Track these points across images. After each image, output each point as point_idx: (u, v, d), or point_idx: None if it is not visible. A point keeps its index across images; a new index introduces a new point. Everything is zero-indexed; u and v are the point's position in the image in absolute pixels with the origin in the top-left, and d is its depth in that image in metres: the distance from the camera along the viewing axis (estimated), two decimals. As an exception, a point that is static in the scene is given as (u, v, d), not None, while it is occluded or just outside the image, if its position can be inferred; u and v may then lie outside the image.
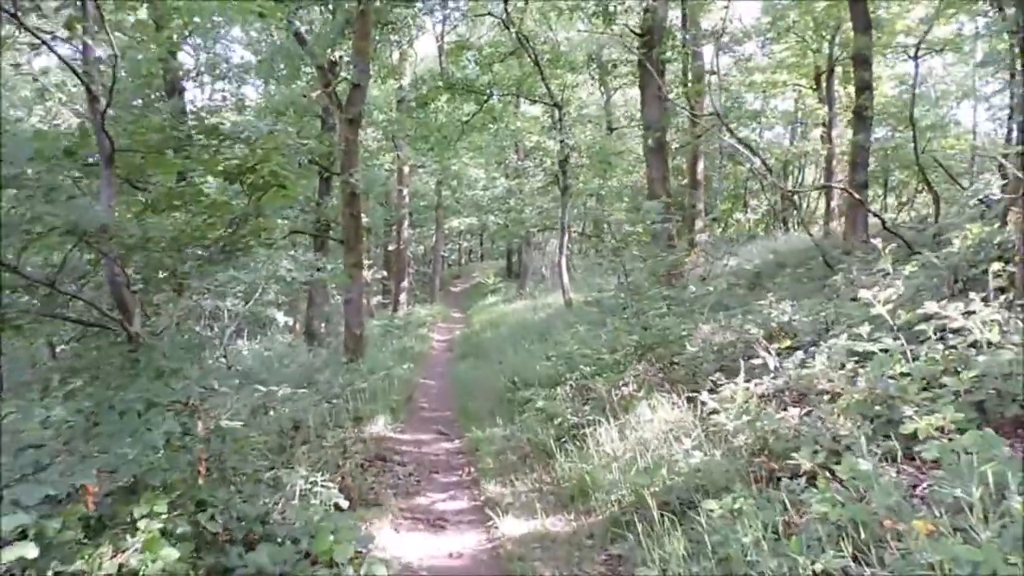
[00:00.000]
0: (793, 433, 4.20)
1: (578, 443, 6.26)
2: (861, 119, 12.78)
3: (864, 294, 4.58)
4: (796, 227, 26.34)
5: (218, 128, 5.85)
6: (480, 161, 28.39)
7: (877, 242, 5.94)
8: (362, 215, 12.80)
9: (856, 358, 4.63)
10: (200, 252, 5.70)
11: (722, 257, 11.78)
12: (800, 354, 5.29)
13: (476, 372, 12.51)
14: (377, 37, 16.46)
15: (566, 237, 18.73)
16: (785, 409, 4.60)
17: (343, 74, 12.67)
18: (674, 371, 6.65)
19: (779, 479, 3.93)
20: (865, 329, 4.41)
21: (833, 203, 22.40)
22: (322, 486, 5.11)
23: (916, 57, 13.42)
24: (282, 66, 14.01)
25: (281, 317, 26.11)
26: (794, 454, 3.80)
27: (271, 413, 8.47)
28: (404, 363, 14.04)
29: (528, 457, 6.76)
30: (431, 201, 34.91)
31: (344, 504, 4.97)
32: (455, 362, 16.07)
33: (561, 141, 18.56)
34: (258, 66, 15.06)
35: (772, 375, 5.25)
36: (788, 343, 6.06)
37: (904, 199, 27.00)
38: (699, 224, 21.12)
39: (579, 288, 21.28)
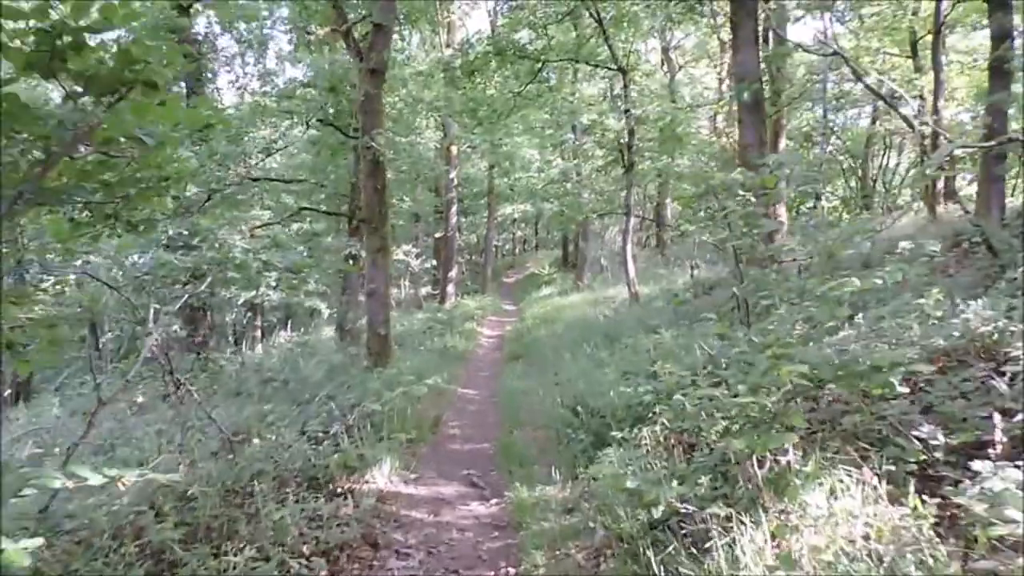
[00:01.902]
0: None
1: (690, 547, 3.47)
2: (999, 75, 9.64)
3: None
4: (883, 211, 22.84)
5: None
6: (535, 141, 25.48)
7: None
8: (386, 190, 10.14)
9: None
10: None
11: (866, 236, 8.67)
12: None
13: (527, 383, 9.74)
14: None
15: (631, 222, 15.78)
16: None
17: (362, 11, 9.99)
18: (853, 421, 3.76)
19: None
20: None
21: (940, 184, 18.87)
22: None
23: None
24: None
25: (325, 308, 23.98)
26: None
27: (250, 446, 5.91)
28: (440, 370, 11.37)
29: (603, 558, 3.99)
30: (482, 187, 32.21)
31: None
32: (502, 365, 13.34)
33: (626, 111, 15.59)
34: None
35: None
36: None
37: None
38: (781, 209, 17.90)
39: (642, 280, 18.32)
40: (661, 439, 5.04)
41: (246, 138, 9.05)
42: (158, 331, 5.13)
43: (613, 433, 5.20)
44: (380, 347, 10.18)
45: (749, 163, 10.41)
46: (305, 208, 10.38)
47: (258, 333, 26.62)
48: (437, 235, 26.70)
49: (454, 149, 23.25)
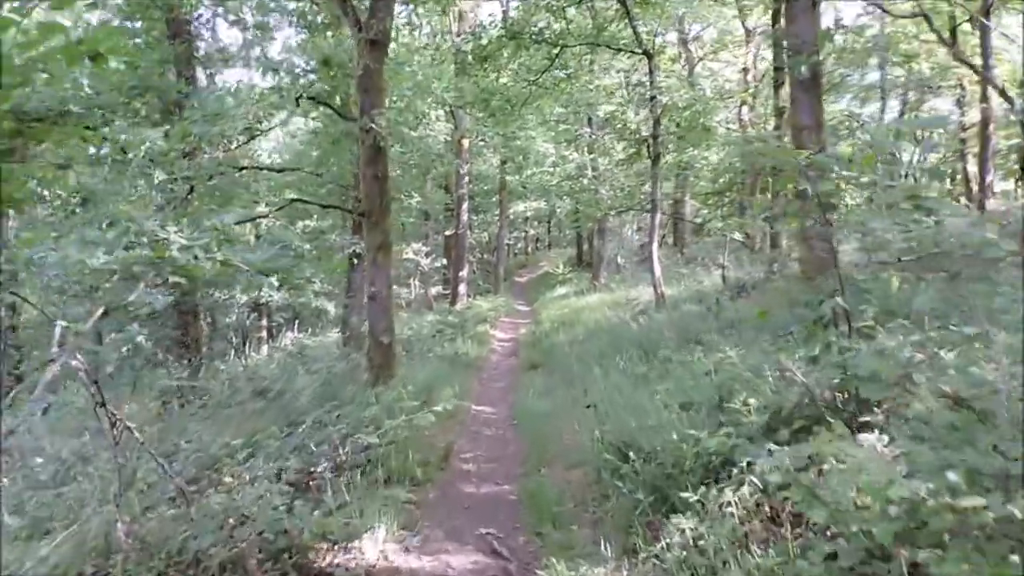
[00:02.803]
0: None
1: None
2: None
3: None
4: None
5: None
6: (550, 135, 24.02)
7: None
8: (388, 180, 8.75)
9: None
10: None
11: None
12: None
13: (550, 402, 8.31)
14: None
15: (658, 218, 14.31)
16: None
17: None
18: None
19: None
20: None
21: (989, 177, 17.30)
22: None
23: None
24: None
25: (332, 308, 22.64)
26: None
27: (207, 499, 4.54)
28: (450, 381, 9.99)
29: None
30: (494, 184, 30.79)
31: None
32: (519, 375, 11.93)
33: (652, 98, 14.13)
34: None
35: None
36: None
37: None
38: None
39: (664, 280, 16.77)
40: (753, 507, 3.62)
41: (229, 119, 7.73)
42: (67, 355, 3.74)
43: (683, 494, 3.79)
44: (383, 358, 8.79)
45: (804, 148, 8.97)
46: (298, 200, 8.92)
47: (264, 334, 25.39)
48: (447, 233, 25.32)
49: (465, 143, 21.82)
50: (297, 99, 8.01)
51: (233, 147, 8.50)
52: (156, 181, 7.11)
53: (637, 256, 27.40)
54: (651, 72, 14.30)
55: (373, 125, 7.90)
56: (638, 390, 6.77)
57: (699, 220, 24.41)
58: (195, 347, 13.22)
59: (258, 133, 9.13)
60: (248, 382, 12.61)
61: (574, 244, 38.30)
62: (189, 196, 8.96)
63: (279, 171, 9.01)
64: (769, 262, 13.69)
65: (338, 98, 10.17)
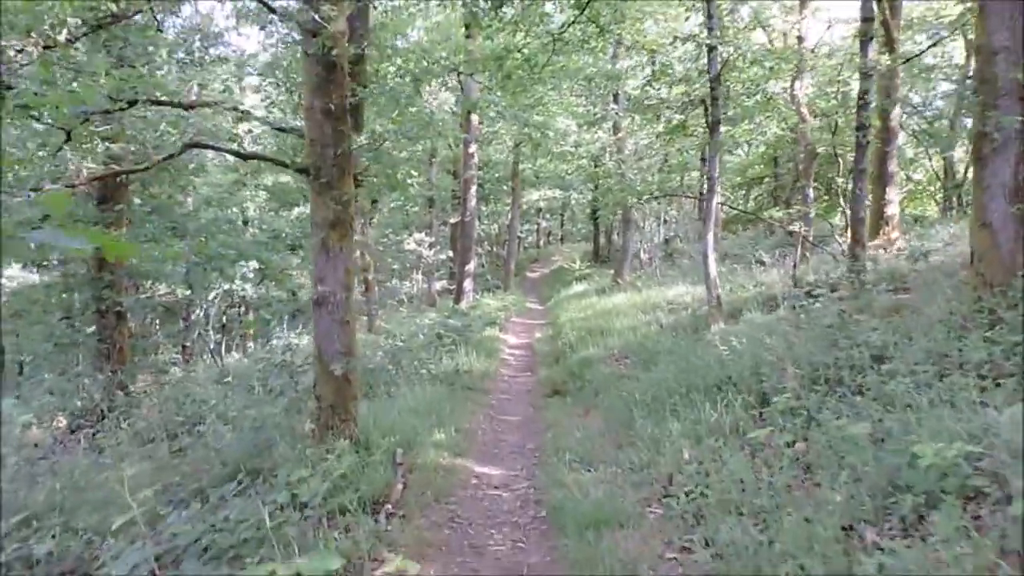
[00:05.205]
0: None
1: None
2: None
3: None
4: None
5: None
6: (572, 110, 20.61)
7: None
8: (347, 117, 5.43)
9: None
10: None
11: None
12: None
13: (598, 478, 4.97)
14: None
15: (715, 201, 10.92)
16: None
17: None
18: None
19: None
20: None
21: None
22: None
23: None
24: None
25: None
26: None
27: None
28: (445, 420, 6.76)
29: None
30: (505, 171, 27.43)
31: None
32: (540, 405, 8.64)
33: (711, 48, 10.78)
34: None
35: None
36: None
37: None
38: (891, 192, 13.07)
39: (693, 280, 13.36)
40: None
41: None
42: None
43: None
44: (335, 395, 5.51)
45: (995, 79, 5.67)
46: (196, 145, 5.57)
47: (251, 331, 22.22)
48: (452, 220, 22.06)
49: (475, 117, 18.44)
50: None
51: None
52: None
53: (661, 251, 24.02)
54: (710, 16, 10.94)
55: (316, 17, 4.60)
56: (753, 472, 3.46)
57: (739, 208, 20.99)
58: (119, 356, 10.00)
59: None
60: (180, 407, 9.46)
61: (589, 238, 34.92)
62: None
63: (187, 107, 5.77)
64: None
65: None
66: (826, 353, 5.44)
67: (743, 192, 25.73)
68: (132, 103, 5.65)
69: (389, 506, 4.46)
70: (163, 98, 5.95)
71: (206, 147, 5.73)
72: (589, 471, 5.11)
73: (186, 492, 5.40)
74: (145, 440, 8.46)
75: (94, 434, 9.17)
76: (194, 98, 5.76)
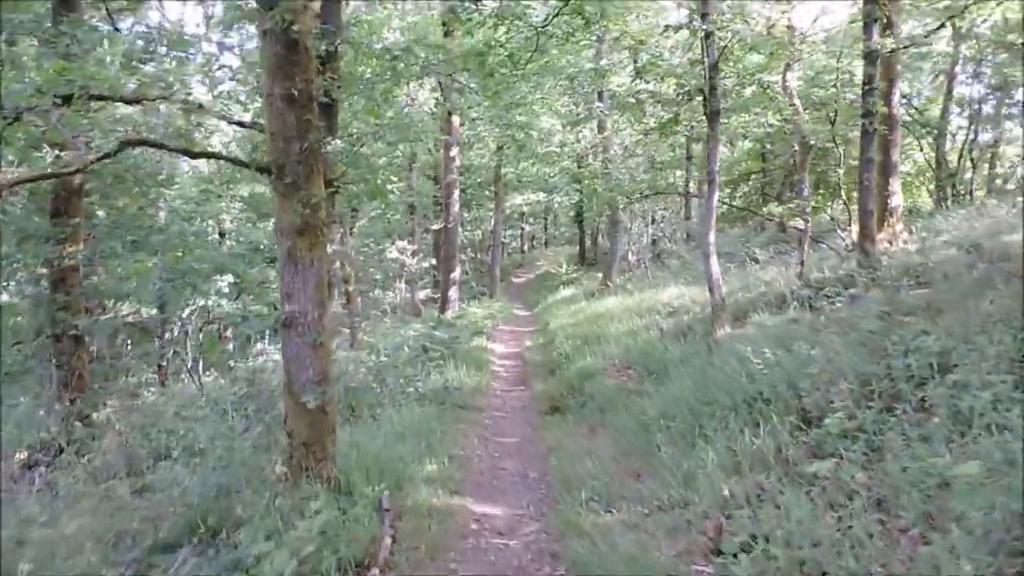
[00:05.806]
0: None
1: None
2: None
3: None
4: (970, 198, 17.34)
5: None
6: (555, 109, 19.87)
7: None
8: (314, 107, 4.63)
9: None
10: None
11: None
12: None
13: (623, 520, 4.21)
14: None
15: (715, 196, 10.20)
16: None
17: None
18: None
19: None
20: None
21: None
22: None
23: None
24: None
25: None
26: None
27: None
28: (434, 449, 5.98)
29: None
30: (487, 176, 26.64)
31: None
32: (539, 424, 7.86)
33: (708, 35, 10.09)
34: None
35: None
36: None
37: None
38: (894, 183, 12.47)
39: (695, 280, 12.71)
40: None
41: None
42: None
43: None
44: (309, 430, 4.69)
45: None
46: (134, 143, 4.74)
47: (231, 347, 21.23)
48: (435, 227, 21.24)
49: (455, 119, 17.66)
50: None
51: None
52: None
53: (650, 253, 23.34)
54: (705, 1, 10.25)
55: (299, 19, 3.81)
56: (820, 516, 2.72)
57: (735, 205, 20.40)
58: (78, 384, 9.08)
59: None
60: (145, 438, 8.59)
61: (574, 241, 34.22)
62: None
63: (131, 102, 4.99)
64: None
65: None
66: (874, 362, 4.72)
67: (730, 189, 25.14)
68: (67, 98, 4.82)
69: (376, 571, 3.66)
70: (105, 92, 5.12)
71: (147, 144, 4.88)
72: (610, 512, 4.33)
73: (140, 550, 4.58)
74: (106, 477, 7.61)
75: (49, 470, 8.30)
76: (133, 89, 4.93)
